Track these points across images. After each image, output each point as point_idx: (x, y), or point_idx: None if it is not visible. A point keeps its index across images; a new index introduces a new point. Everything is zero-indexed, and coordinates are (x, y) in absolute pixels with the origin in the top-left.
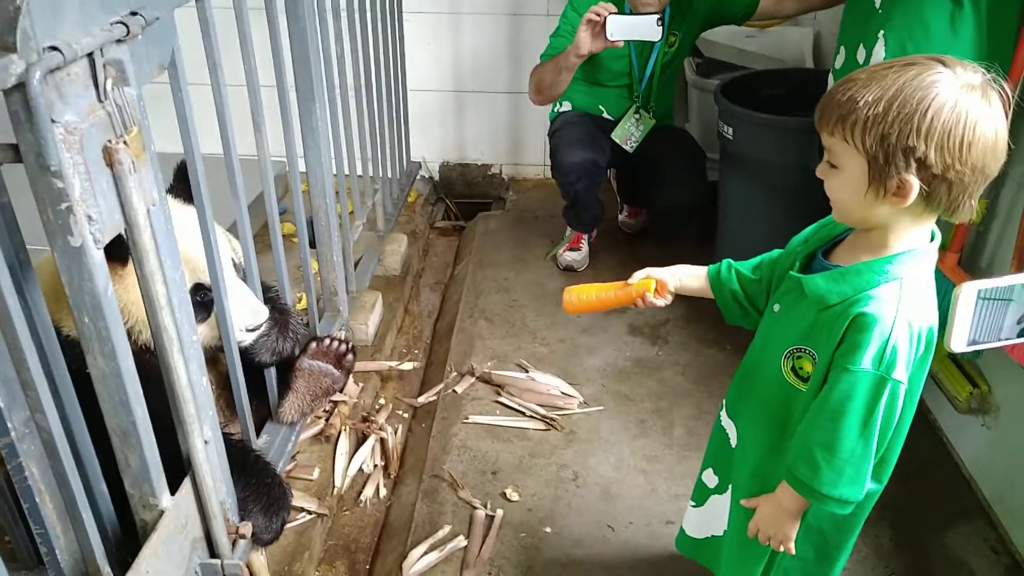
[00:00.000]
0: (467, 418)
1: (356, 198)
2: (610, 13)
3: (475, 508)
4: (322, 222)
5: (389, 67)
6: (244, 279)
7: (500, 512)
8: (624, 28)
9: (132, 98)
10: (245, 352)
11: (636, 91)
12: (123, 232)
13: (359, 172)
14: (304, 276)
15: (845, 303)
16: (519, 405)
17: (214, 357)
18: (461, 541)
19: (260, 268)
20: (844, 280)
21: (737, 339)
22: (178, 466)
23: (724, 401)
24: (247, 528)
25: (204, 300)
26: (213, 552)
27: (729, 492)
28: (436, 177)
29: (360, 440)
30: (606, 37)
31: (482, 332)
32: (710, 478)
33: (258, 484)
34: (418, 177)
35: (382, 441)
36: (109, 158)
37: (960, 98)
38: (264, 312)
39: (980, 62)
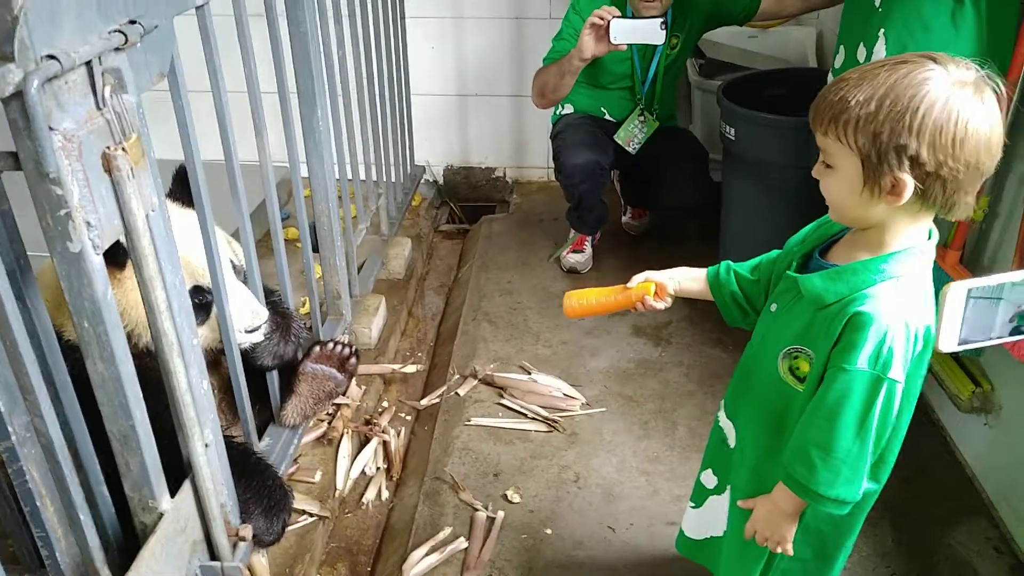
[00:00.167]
0: (469, 420)
1: (359, 202)
2: (613, 17)
3: (476, 510)
4: (325, 226)
5: (392, 72)
6: (245, 282)
7: (501, 514)
8: (627, 32)
9: (131, 105)
10: (247, 355)
11: (638, 93)
12: (122, 237)
13: (362, 177)
14: (307, 280)
15: (842, 302)
16: (521, 407)
17: (217, 360)
18: (462, 543)
19: (263, 272)
20: (840, 279)
21: (740, 340)
22: (181, 468)
23: (722, 401)
24: (247, 531)
25: (203, 302)
26: (213, 555)
27: (728, 493)
28: (440, 181)
29: (363, 443)
30: (609, 41)
31: (485, 334)
32: (709, 479)
33: (259, 487)
34: (422, 181)
35: (384, 444)
36: (108, 165)
37: (952, 95)
38: (264, 313)
39: (975, 59)
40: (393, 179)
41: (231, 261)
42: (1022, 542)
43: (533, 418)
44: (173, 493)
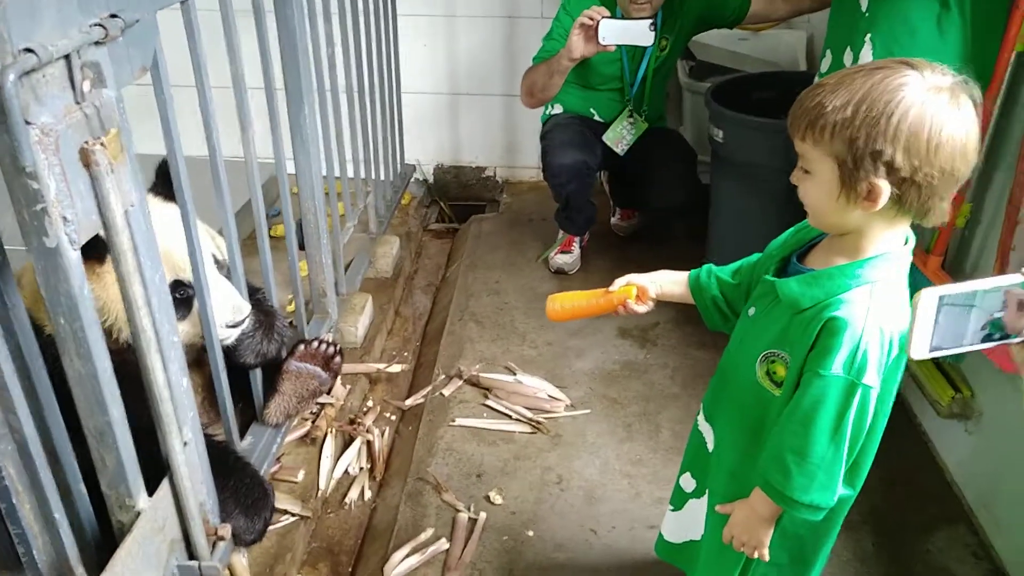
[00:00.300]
0: (453, 421)
1: (347, 200)
2: (603, 17)
3: (458, 511)
4: (311, 224)
5: (383, 69)
6: (228, 277)
7: (483, 515)
8: (616, 32)
9: (110, 100)
10: (230, 353)
11: (628, 95)
12: (101, 232)
13: (351, 174)
14: (291, 278)
15: (817, 307)
16: (506, 408)
17: (200, 358)
18: (443, 544)
19: (250, 270)
20: (817, 284)
21: (725, 343)
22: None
23: (701, 405)
24: (226, 530)
25: (183, 297)
26: (192, 554)
27: (706, 497)
28: (431, 179)
29: (347, 442)
30: (598, 41)
31: (471, 335)
32: (688, 482)
33: (237, 485)
34: (412, 179)
35: (368, 443)
36: (86, 159)
37: (927, 100)
38: (246, 308)
39: (959, 64)
40: (382, 177)
41: (214, 256)
42: (1001, 549)
43: (517, 419)
44: (155, 490)
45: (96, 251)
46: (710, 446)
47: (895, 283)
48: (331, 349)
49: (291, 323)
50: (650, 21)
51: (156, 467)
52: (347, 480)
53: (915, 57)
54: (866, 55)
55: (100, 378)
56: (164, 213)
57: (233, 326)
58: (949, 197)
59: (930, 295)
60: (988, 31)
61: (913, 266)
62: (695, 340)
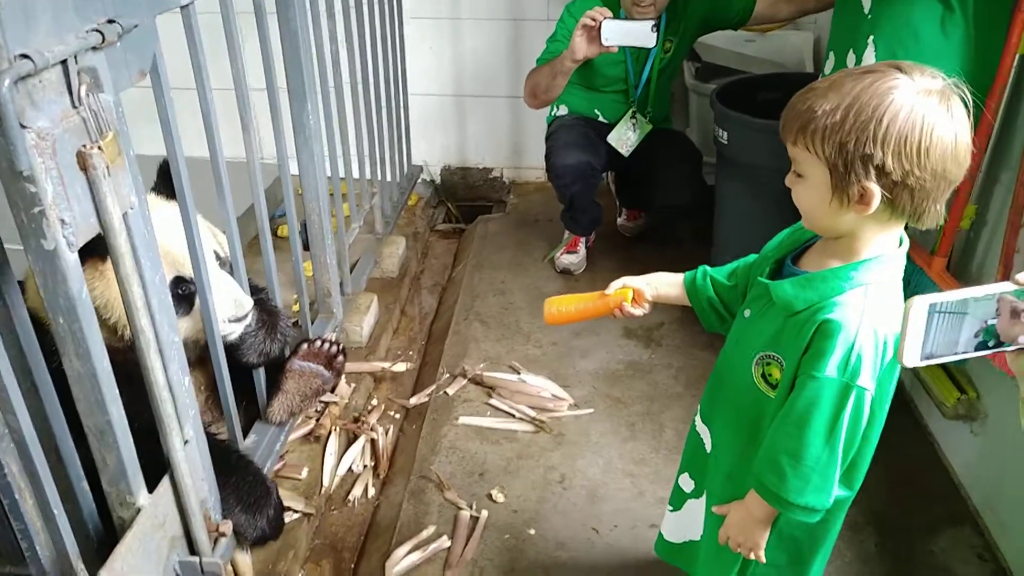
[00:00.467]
0: (457, 419)
1: (352, 201)
2: (605, 18)
3: (460, 509)
4: (315, 224)
5: (389, 71)
6: (231, 273)
7: (485, 513)
8: (619, 34)
9: (108, 104)
10: (233, 352)
11: (632, 96)
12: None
13: (356, 175)
14: (295, 278)
15: (811, 309)
16: (509, 407)
17: (204, 357)
18: (445, 541)
19: (256, 270)
20: (810, 286)
21: None
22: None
23: (699, 406)
24: (227, 526)
25: (185, 293)
26: (193, 550)
27: (704, 497)
28: (438, 180)
29: (351, 441)
30: (601, 42)
31: (476, 334)
32: (686, 482)
33: (239, 483)
34: (420, 180)
35: (372, 441)
36: (83, 163)
37: (916, 103)
38: (248, 303)
39: (964, 68)
40: (389, 178)
41: (215, 252)
42: (1006, 551)
43: (521, 418)
44: (156, 487)
45: (100, 249)
46: (708, 447)
47: (889, 285)
48: (334, 348)
49: (295, 323)
50: (652, 22)
51: (160, 464)
52: (351, 478)
53: (918, 60)
54: (869, 57)
55: (99, 378)
56: (165, 211)
57: (236, 321)
58: (943, 199)
59: (920, 303)
60: (991, 33)
61: (917, 268)
62: (700, 340)
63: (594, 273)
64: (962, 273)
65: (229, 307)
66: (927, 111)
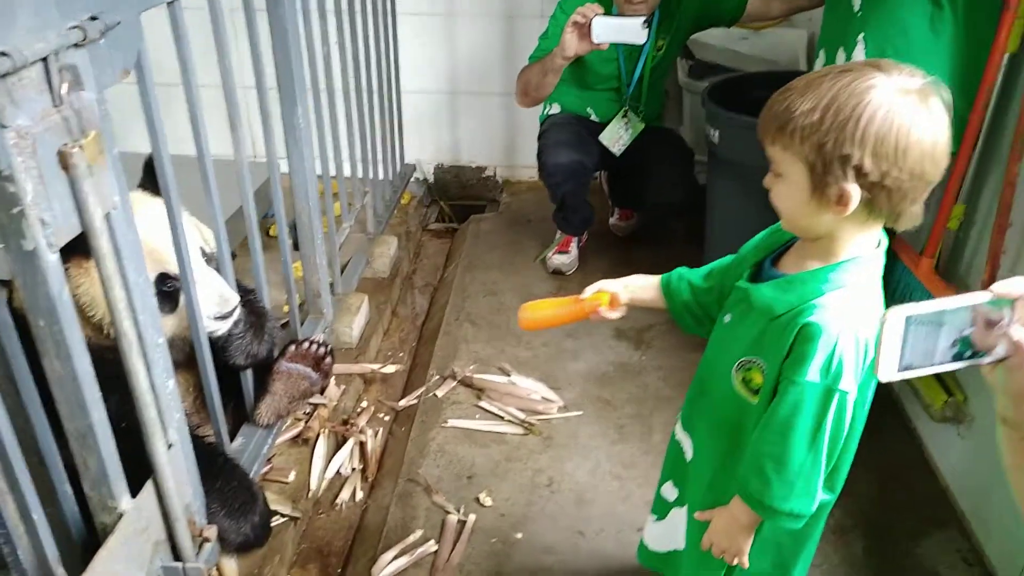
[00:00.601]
0: (446, 422)
1: (343, 200)
2: (596, 15)
3: (448, 513)
4: (305, 224)
5: (382, 68)
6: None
7: (472, 517)
8: (610, 31)
9: (90, 102)
10: (220, 353)
11: (625, 94)
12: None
13: (348, 174)
14: (284, 278)
15: (791, 312)
16: (499, 409)
17: (192, 357)
18: (432, 546)
19: (245, 269)
20: (790, 289)
21: None
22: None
23: (679, 414)
24: (212, 531)
25: (170, 289)
26: (177, 555)
27: (687, 505)
28: (431, 179)
29: (339, 443)
30: (592, 39)
31: (467, 335)
32: (670, 491)
33: (224, 488)
34: (413, 179)
35: (361, 444)
36: (64, 162)
37: (895, 103)
38: (235, 299)
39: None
40: (381, 177)
41: (202, 248)
42: (992, 554)
43: (509, 421)
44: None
45: (86, 246)
46: (688, 455)
47: (868, 287)
48: (322, 350)
49: (285, 324)
50: (643, 19)
51: (143, 464)
52: (339, 481)
53: (907, 58)
54: (859, 55)
55: (80, 380)
56: (151, 207)
57: (221, 318)
58: (921, 200)
59: (895, 316)
60: (980, 32)
61: (905, 268)
62: (689, 342)
63: (586, 273)
64: (950, 273)
65: (214, 303)
66: (905, 110)
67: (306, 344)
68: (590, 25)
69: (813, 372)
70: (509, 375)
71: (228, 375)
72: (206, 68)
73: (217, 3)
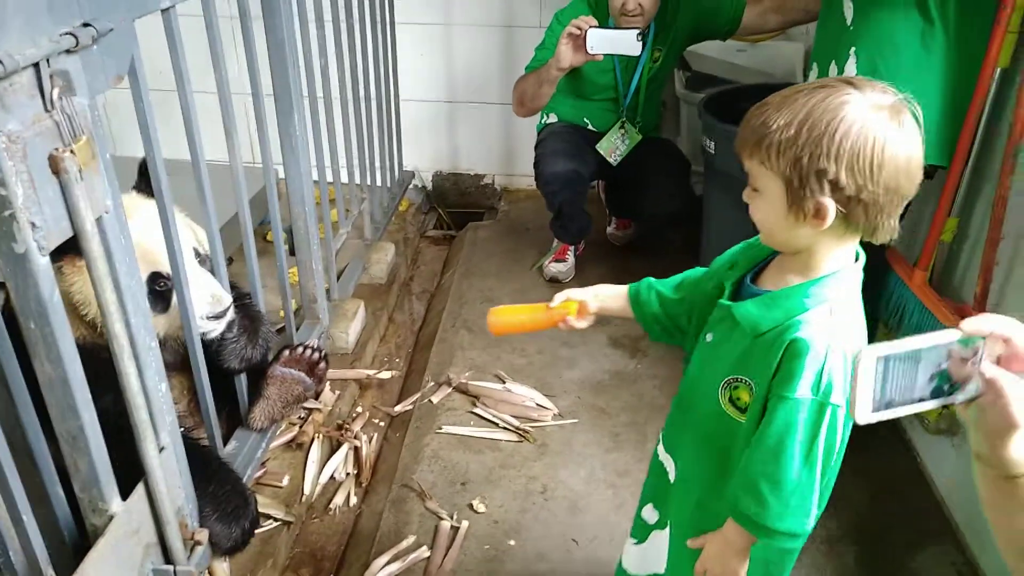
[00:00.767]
0: (440, 428)
1: (340, 207)
2: (591, 27)
3: (441, 519)
4: (301, 230)
5: (380, 77)
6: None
7: (465, 524)
8: (604, 42)
9: (82, 107)
10: (214, 357)
11: (621, 105)
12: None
13: (345, 180)
14: (280, 283)
15: (777, 329)
16: (493, 416)
17: (187, 360)
18: (425, 552)
19: (241, 274)
20: (775, 305)
21: None
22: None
23: (660, 435)
24: (203, 534)
25: (162, 289)
26: (168, 558)
27: (668, 528)
28: (429, 187)
29: (334, 448)
30: (587, 51)
31: (463, 342)
32: (650, 513)
33: (216, 491)
34: (411, 186)
35: (356, 449)
36: (55, 166)
37: (868, 119)
38: (227, 299)
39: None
40: (379, 184)
41: (195, 249)
42: (986, 567)
43: (504, 428)
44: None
45: (77, 247)
46: (671, 476)
47: (848, 302)
48: (316, 355)
49: (281, 329)
50: (638, 31)
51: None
52: (333, 486)
53: (898, 72)
54: (850, 69)
55: (71, 382)
56: (145, 208)
57: (214, 317)
58: (896, 214)
59: (868, 357)
60: (971, 47)
61: (899, 281)
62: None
63: (583, 282)
64: (944, 285)
65: (207, 303)
66: (878, 126)
67: (300, 349)
68: (585, 37)
69: (804, 388)
70: (504, 382)
71: (222, 379)
72: (206, 75)
73: (213, 11)
